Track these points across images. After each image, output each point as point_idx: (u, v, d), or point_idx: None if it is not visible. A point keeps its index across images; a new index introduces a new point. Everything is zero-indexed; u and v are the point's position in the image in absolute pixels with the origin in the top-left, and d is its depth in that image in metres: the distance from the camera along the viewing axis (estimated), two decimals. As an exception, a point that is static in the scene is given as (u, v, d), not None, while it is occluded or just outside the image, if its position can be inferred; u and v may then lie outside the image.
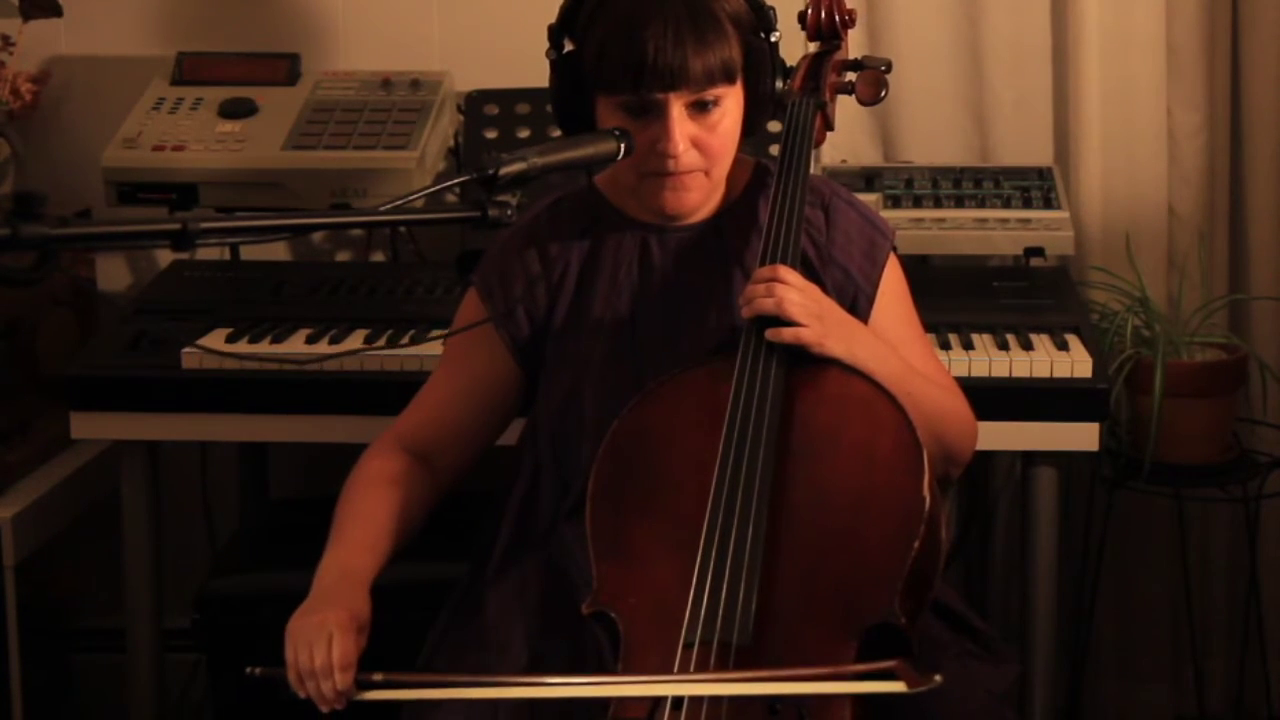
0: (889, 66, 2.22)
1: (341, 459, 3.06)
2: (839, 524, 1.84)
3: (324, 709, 1.83)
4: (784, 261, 1.96)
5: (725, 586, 1.77)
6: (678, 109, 1.96)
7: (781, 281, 1.92)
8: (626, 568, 1.85)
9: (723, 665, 1.73)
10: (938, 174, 2.93)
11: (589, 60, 1.98)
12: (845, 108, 2.28)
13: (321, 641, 1.82)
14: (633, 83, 1.94)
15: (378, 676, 1.81)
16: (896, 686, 1.68)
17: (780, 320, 1.91)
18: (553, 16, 2.06)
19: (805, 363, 1.93)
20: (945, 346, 2.51)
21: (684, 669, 1.74)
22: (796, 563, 1.81)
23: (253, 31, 3.12)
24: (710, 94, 1.96)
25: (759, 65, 2.01)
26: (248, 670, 1.84)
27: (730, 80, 1.98)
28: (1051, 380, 2.47)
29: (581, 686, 1.80)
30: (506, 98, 2.94)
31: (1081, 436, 2.48)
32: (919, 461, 1.83)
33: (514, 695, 1.84)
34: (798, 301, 1.92)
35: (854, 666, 1.73)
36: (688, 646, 1.75)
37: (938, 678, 1.67)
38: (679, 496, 1.87)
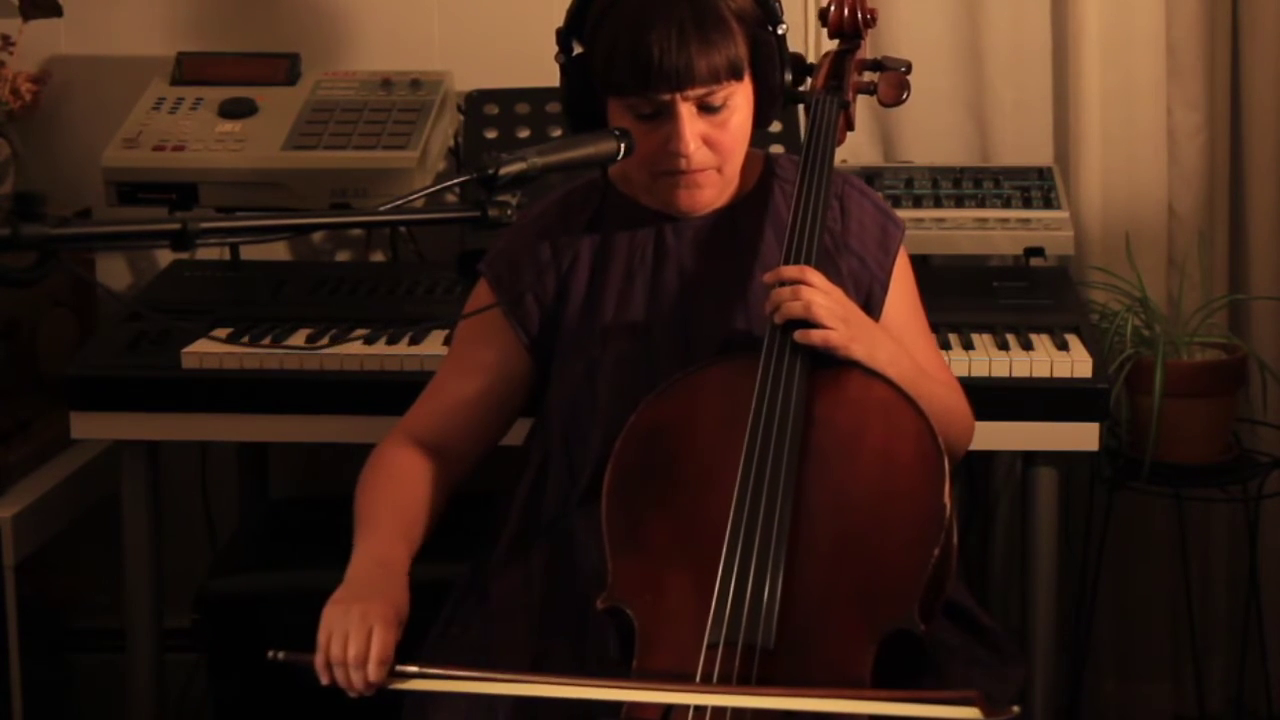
0: (909, 68, 2.22)
1: (341, 459, 3.07)
2: (859, 528, 1.84)
3: (351, 695, 1.83)
4: (807, 261, 1.97)
5: (750, 588, 1.77)
6: (687, 109, 1.96)
7: (808, 284, 1.93)
8: (643, 564, 1.85)
9: (746, 668, 1.74)
10: (938, 174, 2.93)
11: (597, 63, 1.99)
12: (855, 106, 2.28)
13: (360, 633, 1.81)
14: (640, 85, 1.94)
15: (412, 668, 1.81)
16: (971, 713, 1.67)
17: (807, 322, 1.92)
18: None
19: (826, 365, 1.93)
20: (945, 346, 2.51)
21: (707, 669, 1.74)
22: (817, 566, 1.81)
23: (253, 31, 3.12)
24: (719, 93, 1.97)
25: (767, 59, 2.02)
26: (270, 654, 1.82)
27: (737, 77, 1.98)
28: (1051, 380, 2.47)
29: (625, 690, 1.76)
30: (506, 98, 2.94)
31: (1081, 436, 2.48)
32: (940, 468, 1.84)
33: (552, 694, 1.78)
34: (825, 304, 1.92)
35: (927, 693, 1.73)
36: (711, 647, 1.75)
37: (1015, 709, 1.66)
38: (699, 494, 1.87)
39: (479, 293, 2.15)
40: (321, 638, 1.83)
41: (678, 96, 1.95)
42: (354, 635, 1.81)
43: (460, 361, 2.14)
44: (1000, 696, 1.96)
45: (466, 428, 2.12)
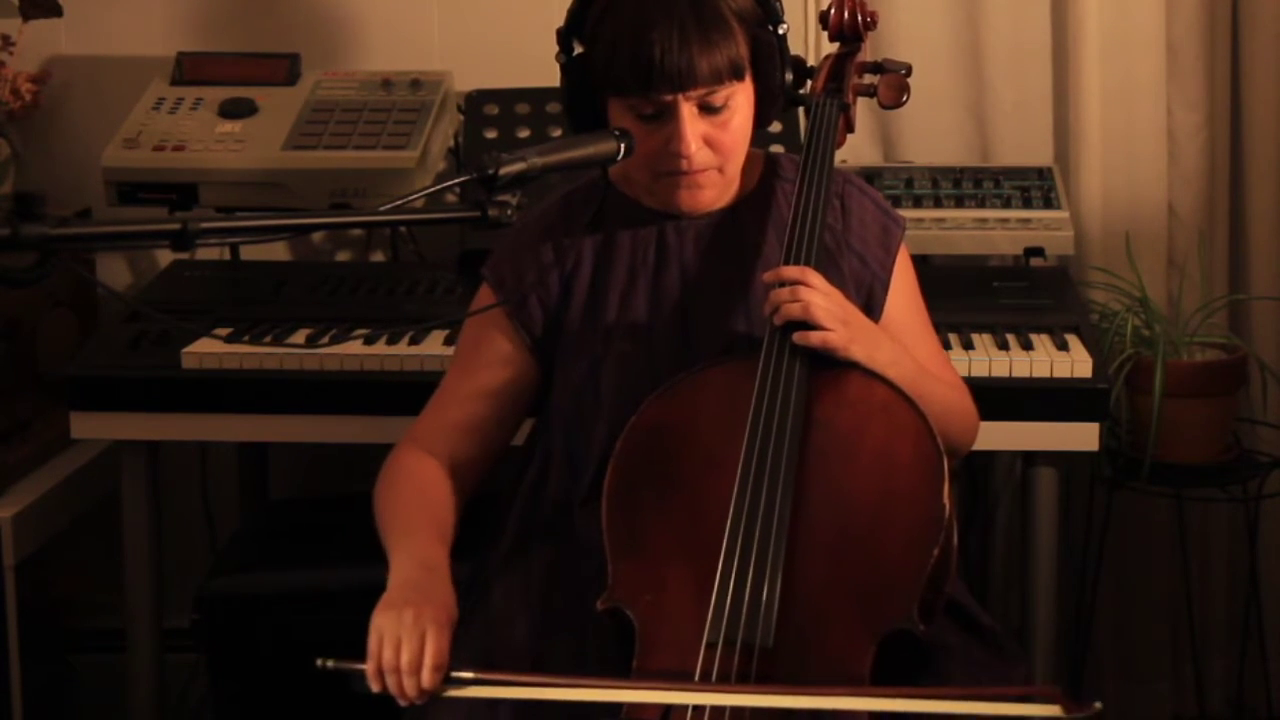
0: (909, 70, 2.23)
1: (341, 459, 3.08)
2: (859, 529, 1.84)
3: (402, 704, 1.78)
4: (807, 262, 1.98)
5: (749, 588, 1.77)
6: (688, 109, 1.96)
7: (807, 285, 1.93)
8: (643, 565, 1.85)
9: (745, 667, 1.74)
10: (938, 174, 2.93)
11: (598, 63, 1.99)
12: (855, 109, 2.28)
13: (413, 638, 1.76)
14: (641, 85, 1.94)
15: (467, 674, 1.76)
16: (1051, 710, 1.64)
17: (806, 323, 1.92)
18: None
19: (826, 366, 1.93)
20: (945, 346, 2.50)
21: (706, 669, 1.74)
22: (817, 566, 1.81)
23: (253, 31, 3.12)
24: (720, 93, 1.97)
25: (767, 59, 2.02)
26: (319, 663, 1.77)
27: (738, 77, 1.98)
28: (1051, 380, 2.47)
29: (678, 693, 1.73)
30: (506, 98, 2.94)
31: (1081, 436, 2.48)
32: (939, 468, 1.84)
33: (607, 699, 1.74)
34: (824, 306, 1.93)
35: (1008, 689, 1.70)
36: (710, 646, 1.75)
37: (1097, 705, 1.63)
38: (699, 495, 1.87)
39: (481, 297, 2.14)
40: (372, 644, 1.78)
41: (679, 97, 1.95)
42: (406, 640, 1.76)
43: (466, 369, 2.13)
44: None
45: (476, 435, 2.10)
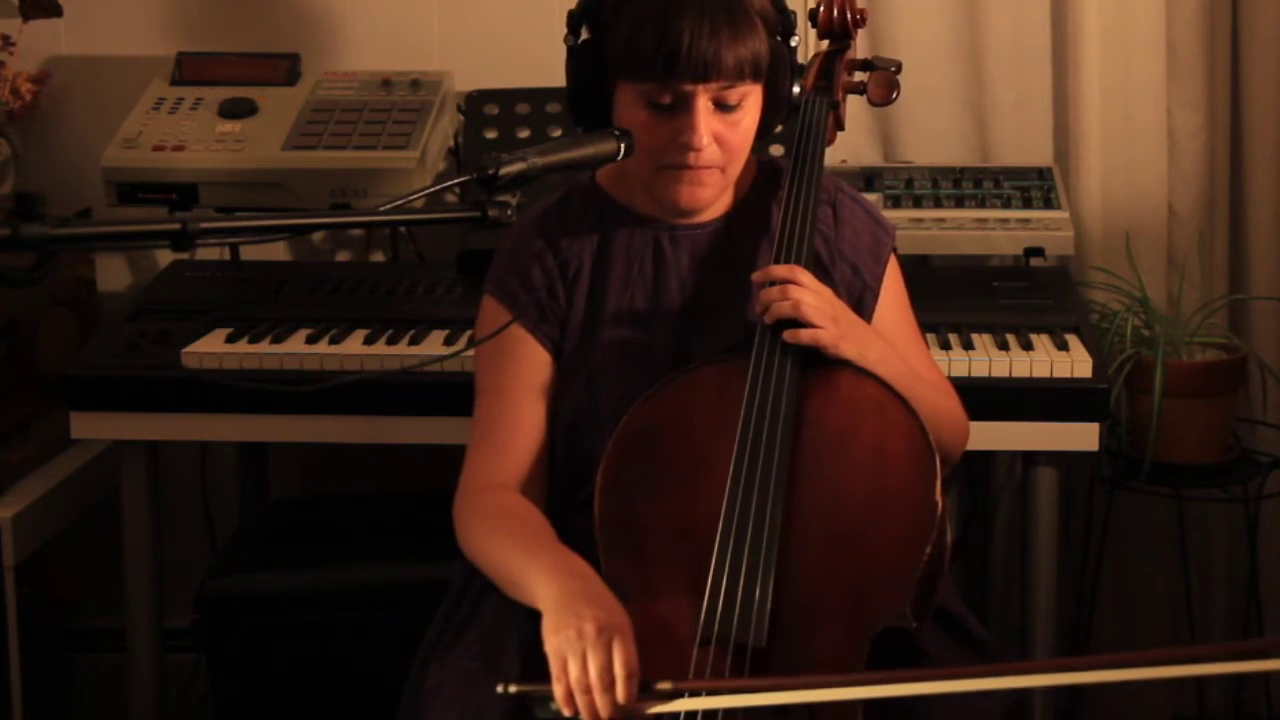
0: (899, 67, 2.23)
1: (341, 459, 3.08)
2: (851, 526, 1.84)
3: None
4: (797, 261, 1.98)
5: (741, 587, 1.77)
6: (704, 102, 1.96)
7: (797, 283, 1.94)
8: (635, 562, 1.85)
9: (738, 666, 1.74)
10: (938, 174, 2.93)
11: (615, 47, 1.97)
12: (845, 107, 2.29)
13: (599, 649, 1.68)
14: (664, 71, 1.93)
15: (664, 685, 1.66)
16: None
17: (796, 321, 1.92)
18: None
19: (817, 364, 1.93)
20: (945, 346, 2.51)
21: (699, 668, 1.74)
22: (809, 564, 1.81)
23: (253, 31, 3.12)
24: (737, 90, 1.96)
25: (780, 67, 2.03)
26: (499, 688, 1.69)
27: (758, 77, 1.98)
28: (1051, 380, 2.47)
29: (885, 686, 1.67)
30: (506, 98, 2.93)
31: (1081, 436, 2.48)
32: (931, 465, 1.84)
33: (810, 699, 1.66)
34: (813, 304, 1.93)
35: (1246, 643, 1.64)
36: (703, 645, 1.75)
37: None
38: (690, 493, 1.87)
39: (486, 312, 2.11)
40: (555, 666, 1.71)
41: (699, 88, 1.94)
42: (593, 653, 1.68)
43: (498, 392, 2.07)
44: (986, 708, 1.92)
45: (531, 453, 2.05)
